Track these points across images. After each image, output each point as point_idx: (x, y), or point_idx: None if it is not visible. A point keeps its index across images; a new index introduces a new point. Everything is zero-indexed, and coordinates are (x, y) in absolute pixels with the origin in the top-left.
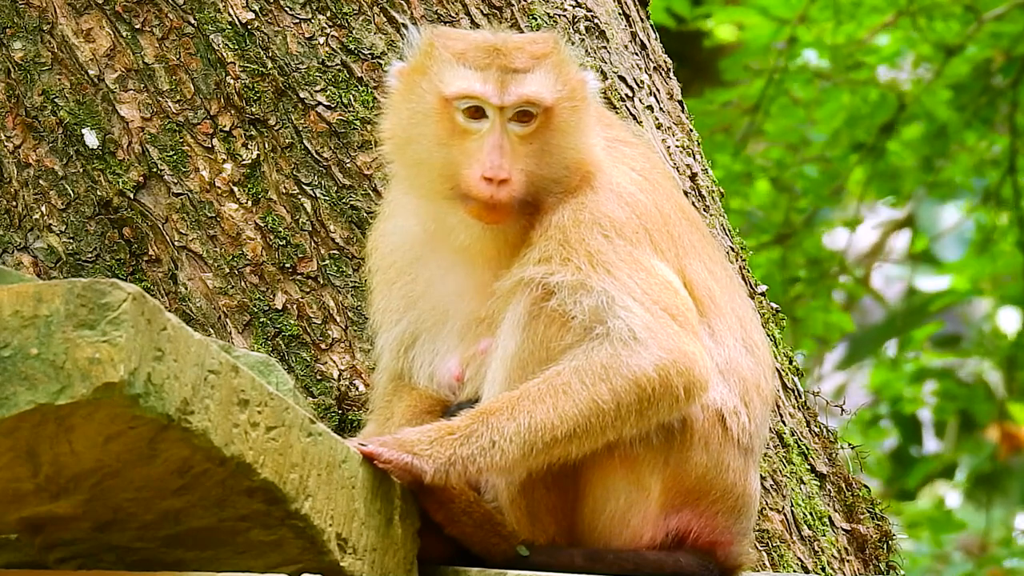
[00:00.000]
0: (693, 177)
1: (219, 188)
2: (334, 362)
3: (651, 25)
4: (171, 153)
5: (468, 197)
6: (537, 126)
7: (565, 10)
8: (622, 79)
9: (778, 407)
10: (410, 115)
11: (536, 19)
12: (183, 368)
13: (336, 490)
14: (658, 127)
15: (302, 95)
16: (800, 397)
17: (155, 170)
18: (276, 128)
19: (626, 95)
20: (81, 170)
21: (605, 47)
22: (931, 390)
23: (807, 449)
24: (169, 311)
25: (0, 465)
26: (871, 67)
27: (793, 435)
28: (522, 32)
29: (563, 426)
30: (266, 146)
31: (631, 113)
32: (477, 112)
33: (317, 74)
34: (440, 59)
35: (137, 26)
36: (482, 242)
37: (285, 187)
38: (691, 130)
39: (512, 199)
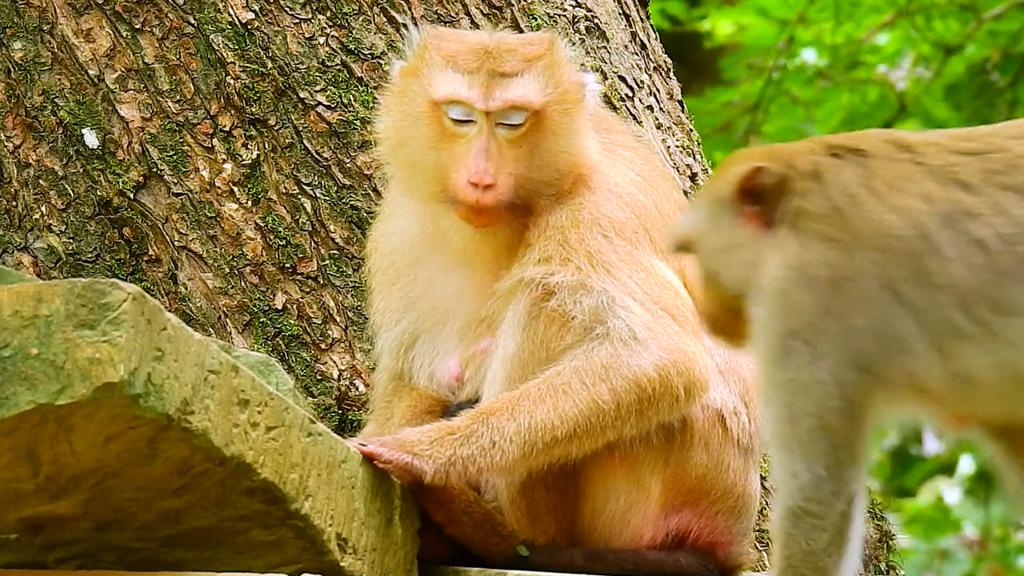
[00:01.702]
0: (693, 177)
1: (219, 188)
2: (334, 362)
3: (651, 25)
4: (171, 153)
5: (456, 200)
6: (526, 129)
7: (565, 10)
8: (622, 79)
9: None
10: (403, 117)
11: (536, 19)
12: (183, 368)
13: (336, 490)
14: (658, 127)
15: (302, 95)
16: None
17: (155, 170)
18: (276, 128)
19: (626, 95)
20: (81, 170)
21: (605, 47)
22: None
23: None
24: (169, 311)
25: (0, 465)
26: (870, 66)
27: None
28: (522, 32)
29: (563, 426)
30: (266, 146)
31: (631, 113)
32: (465, 116)
33: (317, 74)
34: (430, 61)
35: (137, 26)
36: (475, 244)
37: (285, 187)
38: (691, 130)
39: (498, 203)
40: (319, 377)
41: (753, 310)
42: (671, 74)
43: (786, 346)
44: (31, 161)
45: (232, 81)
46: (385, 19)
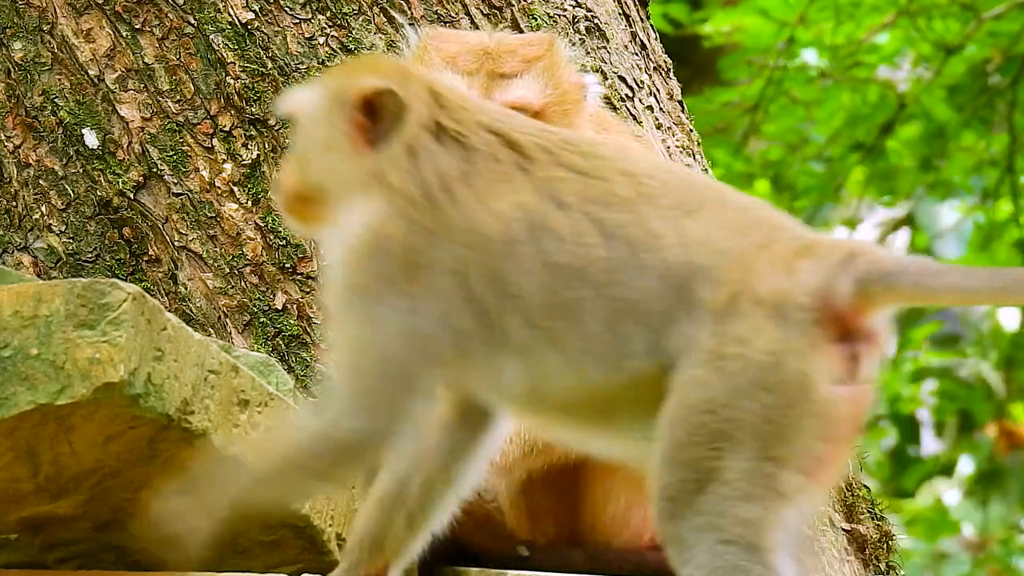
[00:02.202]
0: None
1: (219, 188)
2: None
3: (651, 25)
4: (171, 153)
5: None
6: None
7: (565, 10)
8: (622, 79)
9: None
10: None
11: (536, 19)
12: (183, 368)
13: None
14: (658, 127)
15: None
16: None
17: (155, 170)
18: (276, 128)
19: (626, 95)
20: (81, 170)
21: (605, 47)
22: (930, 390)
23: None
24: (169, 311)
25: (0, 465)
26: (871, 66)
27: None
28: (522, 32)
29: None
30: (266, 146)
31: (631, 113)
32: None
33: (317, 74)
34: (430, 62)
35: (137, 26)
36: None
37: None
38: (691, 130)
39: None
40: (319, 377)
41: (332, 253)
42: (671, 74)
43: (349, 300)
44: (31, 161)
45: (232, 81)
46: (385, 19)
